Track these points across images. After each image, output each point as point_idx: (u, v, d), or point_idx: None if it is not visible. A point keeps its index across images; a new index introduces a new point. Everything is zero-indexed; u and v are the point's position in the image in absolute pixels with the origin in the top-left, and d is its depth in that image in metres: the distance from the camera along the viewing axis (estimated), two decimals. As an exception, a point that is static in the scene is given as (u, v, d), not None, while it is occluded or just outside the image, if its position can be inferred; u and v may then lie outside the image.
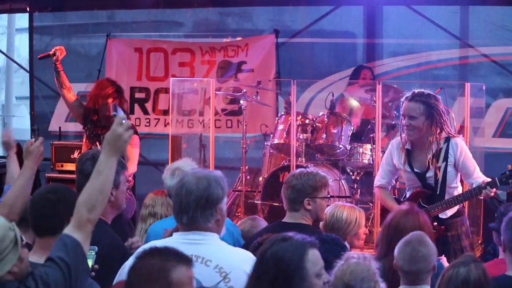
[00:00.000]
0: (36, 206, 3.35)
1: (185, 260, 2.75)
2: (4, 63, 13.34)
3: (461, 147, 5.37)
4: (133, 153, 6.58)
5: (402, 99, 5.44)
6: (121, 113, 3.11)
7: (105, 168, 3.05)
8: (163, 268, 2.66)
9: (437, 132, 5.33)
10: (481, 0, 9.21)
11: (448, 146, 5.34)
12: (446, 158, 5.33)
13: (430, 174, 5.39)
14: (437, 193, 5.38)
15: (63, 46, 7.00)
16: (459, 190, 5.50)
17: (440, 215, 5.40)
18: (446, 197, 5.39)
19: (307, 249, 2.95)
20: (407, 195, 5.61)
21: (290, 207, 4.51)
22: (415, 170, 5.44)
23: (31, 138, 4.04)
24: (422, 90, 5.45)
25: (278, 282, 2.88)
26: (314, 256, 2.96)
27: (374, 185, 5.79)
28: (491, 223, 4.71)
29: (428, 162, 5.37)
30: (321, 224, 4.77)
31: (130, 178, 6.57)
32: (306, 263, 2.92)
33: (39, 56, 7.36)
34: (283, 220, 4.57)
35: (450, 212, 5.42)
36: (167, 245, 2.81)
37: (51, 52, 6.91)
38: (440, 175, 5.35)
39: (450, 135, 5.37)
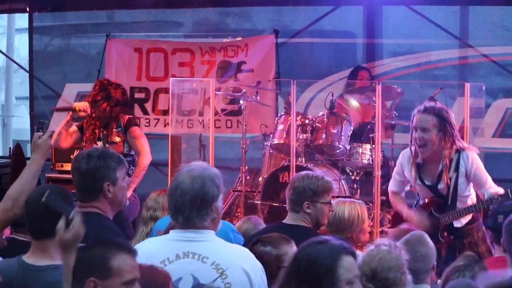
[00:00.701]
0: (31, 209, 3.32)
1: (127, 249, 2.80)
2: (4, 63, 13.35)
3: (472, 158, 5.36)
4: (142, 145, 6.57)
5: (414, 112, 5.40)
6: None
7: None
8: (103, 255, 2.74)
9: (449, 146, 5.31)
10: (480, 0, 9.21)
11: (459, 157, 5.33)
12: (457, 169, 5.33)
13: (441, 186, 5.39)
14: (449, 203, 5.38)
15: (89, 107, 6.57)
16: (472, 198, 5.50)
17: (455, 224, 5.39)
18: (459, 205, 5.39)
19: (342, 254, 2.86)
20: (420, 203, 5.62)
21: (291, 208, 4.53)
22: (426, 183, 5.44)
23: (38, 131, 3.98)
24: (433, 103, 5.48)
25: (307, 284, 2.84)
26: (348, 263, 2.87)
27: (389, 188, 5.79)
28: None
29: (439, 174, 5.36)
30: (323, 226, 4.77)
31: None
32: (338, 269, 2.83)
33: (55, 108, 7.12)
34: (283, 221, 4.57)
35: (464, 220, 5.43)
36: (111, 238, 2.95)
37: (73, 107, 6.59)
38: (451, 185, 5.34)
39: (461, 148, 5.36)
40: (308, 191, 4.47)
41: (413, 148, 5.41)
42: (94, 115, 6.59)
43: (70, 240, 2.89)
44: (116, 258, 2.74)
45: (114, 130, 6.58)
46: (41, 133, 3.92)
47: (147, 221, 5.21)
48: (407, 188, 5.73)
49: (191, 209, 3.21)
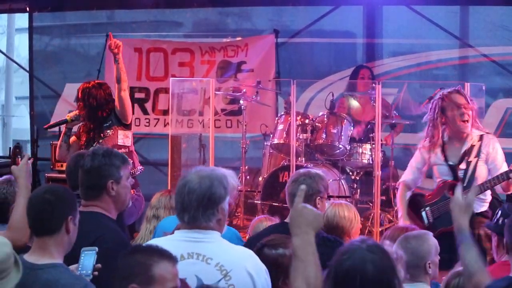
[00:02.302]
0: (34, 206, 3.34)
1: (168, 257, 2.79)
2: (3, 63, 13.35)
3: (494, 143, 5.54)
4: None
5: (443, 91, 5.65)
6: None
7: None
8: (145, 263, 2.73)
9: (474, 129, 5.52)
10: (480, 0, 9.21)
11: (481, 143, 5.51)
12: (478, 154, 5.50)
13: (462, 166, 5.54)
14: (465, 185, 5.45)
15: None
16: (487, 204, 5.62)
17: (474, 209, 5.40)
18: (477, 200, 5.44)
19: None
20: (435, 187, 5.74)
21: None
22: (449, 162, 5.57)
23: (16, 156, 4.12)
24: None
25: None
26: None
27: (399, 181, 5.93)
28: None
29: (462, 155, 5.52)
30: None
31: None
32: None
33: (47, 126, 7.04)
34: (285, 221, 4.56)
35: (480, 208, 5.53)
36: (152, 244, 2.85)
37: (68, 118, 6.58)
38: (470, 168, 5.49)
39: (484, 133, 5.55)
40: (320, 187, 4.48)
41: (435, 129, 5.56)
42: (85, 121, 6.58)
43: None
44: (158, 266, 2.74)
45: (105, 125, 6.55)
46: (19, 158, 4.02)
47: (151, 219, 5.27)
48: (421, 179, 5.81)
49: (197, 208, 3.22)
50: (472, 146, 5.51)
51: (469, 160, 5.51)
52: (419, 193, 5.88)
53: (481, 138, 5.53)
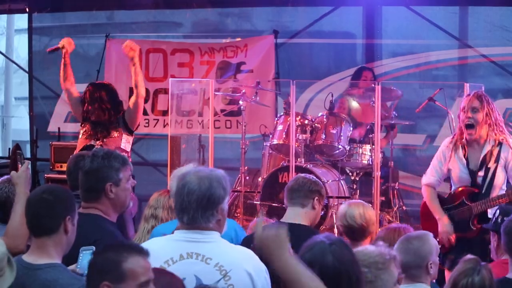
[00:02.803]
0: (33, 206, 3.34)
1: (138, 251, 2.81)
2: (3, 63, 13.35)
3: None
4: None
5: (463, 96, 5.65)
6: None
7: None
8: (115, 260, 2.75)
9: (494, 134, 5.45)
10: (480, 0, 9.21)
11: (500, 148, 5.45)
12: (497, 160, 5.43)
13: (481, 173, 5.48)
14: (483, 192, 5.45)
15: (71, 38, 7.14)
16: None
17: (490, 214, 5.37)
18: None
19: None
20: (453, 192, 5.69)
21: (296, 202, 4.50)
22: (470, 167, 5.52)
23: (16, 162, 4.10)
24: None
25: None
26: None
27: (422, 183, 5.80)
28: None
29: (481, 160, 5.47)
30: (339, 225, 4.73)
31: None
32: None
33: (48, 50, 7.45)
34: (281, 220, 4.56)
35: None
36: (124, 241, 2.92)
37: (59, 46, 7.04)
38: (489, 174, 5.44)
39: (504, 139, 5.47)
40: (322, 190, 4.48)
41: (458, 132, 5.55)
42: (91, 116, 6.68)
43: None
44: (128, 261, 2.75)
45: (112, 126, 6.66)
46: (19, 164, 4.02)
47: (148, 218, 5.25)
48: (443, 179, 5.73)
49: (196, 209, 3.21)
50: (492, 151, 5.46)
51: (488, 166, 5.46)
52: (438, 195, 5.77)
53: (500, 143, 5.46)
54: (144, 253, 2.81)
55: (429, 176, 5.73)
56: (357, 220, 4.62)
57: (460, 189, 5.59)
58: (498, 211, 4.62)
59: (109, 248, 2.84)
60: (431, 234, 4.00)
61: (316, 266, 2.78)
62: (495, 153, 5.44)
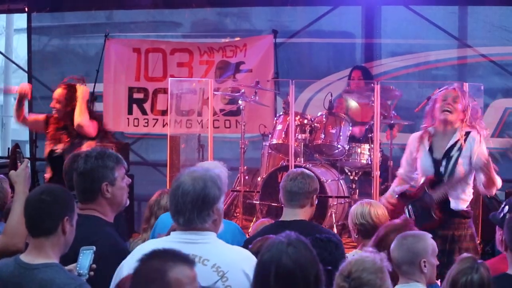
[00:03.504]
0: (31, 207, 3.33)
1: (184, 260, 2.74)
2: (2, 63, 13.36)
3: (478, 141, 5.47)
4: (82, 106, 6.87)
5: (442, 89, 5.70)
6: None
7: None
8: (161, 268, 2.67)
9: (463, 125, 5.50)
10: (479, 0, 9.21)
11: (467, 140, 5.48)
12: (460, 150, 5.46)
13: (444, 162, 5.51)
14: (444, 181, 5.47)
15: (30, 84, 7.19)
16: (468, 202, 5.56)
17: (452, 206, 5.44)
18: (459, 189, 5.47)
19: None
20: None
21: (298, 203, 4.49)
22: (434, 156, 5.55)
23: (15, 162, 4.08)
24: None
25: None
26: None
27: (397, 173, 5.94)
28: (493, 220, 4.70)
29: (446, 150, 5.50)
30: (352, 223, 4.74)
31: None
32: None
33: (7, 91, 7.62)
34: (280, 219, 4.55)
35: (463, 205, 5.49)
36: (165, 247, 2.80)
37: (22, 94, 7.02)
38: (451, 164, 5.46)
39: (472, 129, 5.50)
40: (317, 186, 4.49)
41: (429, 121, 5.62)
42: (60, 121, 6.89)
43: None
44: (173, 271, 2.66)
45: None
46: (18, 163, 4.00)
47: (150, 218, 5.24)
48: (414, 172, 5.75)
49: (192, 210, 3.19)
50: (457, 142, 5.49)
51: (451, 155, 5.50)
52: (408, 189, 5.82)
53: (467, 135, 5.50)
54: (190, 262, 2.74)
55: (399, 168, 5.83)
56: (370, 219, 4.69)
57: (423, 180, 5.61)
58: (507, 207, 4.60)
59: (155, 255, 2.74)
60: (429, 235, 3.99)
61: (272, 266, 2.81)
62: (460, 143, 5.48)
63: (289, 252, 2.81)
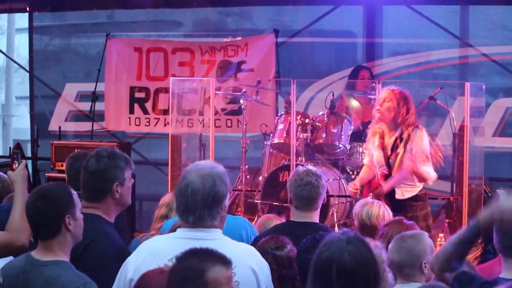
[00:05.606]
0: (30, 216, 3.37)
1: (222, 260, 2.74)
2: (4, 63, 13.35)
3: (418, 136, 5.90)
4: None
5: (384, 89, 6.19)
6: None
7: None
8: (199, 268, 2.67)
9: (405, 121, 5.91)
10: (481, -1, 9.21)
11: (409, 136, 5.91)
12: (405, 145, 5.90)
13: (392, 157, 5.98)
14: (391, 174, 5.97)
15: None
16: (416, 190, 5.98)
17: (397, 196, 5.92)
18: (406, 182, 5.94)
19: None
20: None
21: (308, 207, 4.49)
22: (384, 151, 6.04)
23: (13, 162, 4.11)
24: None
25: None
26: None
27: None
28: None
29: (392, 145, 5.98)
30: (357, 222, 4.75)
31: None
32: None
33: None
34: (290, 219, 4.56)
35: (408, 194, 5.94)
36: (206, 247, 2.79)
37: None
38: (398, 159, 5.92)
39: (414, 126, 5.93)
40: (324, 185, 4.54)
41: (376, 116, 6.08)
42: None
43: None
44: (211, 270, 2.67)
45: None
46: (15, 163, 4.02)
47: (158, 219, 5.23)
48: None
49: (203, 208, 3.18)
50: (401, 139, 5.92)
51: (397, 152, 5.91)
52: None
53: (415, 130, 5.90)
54: (228, 262, 2.74)
55: (365, 158, 6.47)
56: (370, 218, 4.73)
57: (379, 173, 6.07)
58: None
59: (193, 254, 2.74)
60: (426, 234, 4.00)
61: (334, 264, 2.76)
62: (404, 140, 5.91)
63: (350, 250, 2.77)
